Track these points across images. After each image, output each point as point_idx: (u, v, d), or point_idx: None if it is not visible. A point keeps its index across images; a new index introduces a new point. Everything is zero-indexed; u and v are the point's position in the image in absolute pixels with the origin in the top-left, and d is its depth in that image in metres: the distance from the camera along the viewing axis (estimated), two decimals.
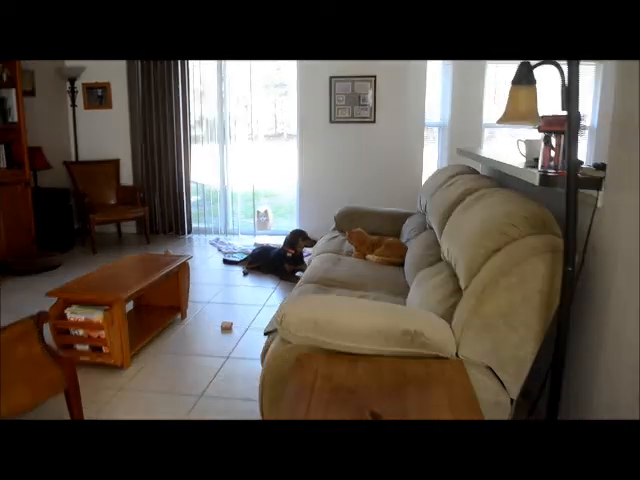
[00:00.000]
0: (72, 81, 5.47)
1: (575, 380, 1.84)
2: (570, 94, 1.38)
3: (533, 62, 1.57)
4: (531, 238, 1.74)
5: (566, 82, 1.38)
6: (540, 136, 1.92)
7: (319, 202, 5.75)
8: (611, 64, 1.54)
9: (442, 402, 1.43)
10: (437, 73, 5.69)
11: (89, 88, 5.60)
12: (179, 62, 5.55)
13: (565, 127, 1.58)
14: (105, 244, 5.42)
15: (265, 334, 2.16)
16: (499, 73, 5.80)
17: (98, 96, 5.59)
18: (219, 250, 5.40)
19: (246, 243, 5.60)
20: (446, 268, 2.23)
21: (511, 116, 1.58)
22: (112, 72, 5.57)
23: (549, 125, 1.67)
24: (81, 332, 2.75)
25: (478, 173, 3.17)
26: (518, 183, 2.48)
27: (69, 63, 5.45)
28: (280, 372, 1.82)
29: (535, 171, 1.86)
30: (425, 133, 5.73)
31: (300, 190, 5.85)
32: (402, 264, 3.10)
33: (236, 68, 5.83)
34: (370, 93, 5.41)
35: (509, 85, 1.62)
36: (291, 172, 5.98)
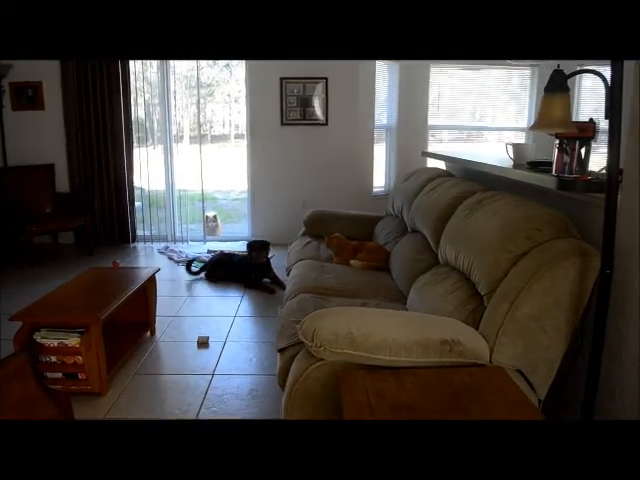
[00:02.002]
0: None
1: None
2: (613, 100, 1.41)
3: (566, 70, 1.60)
4: (556, 242, 1.78)
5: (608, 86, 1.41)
6: (525, 140, 1.97)
7: (271, 206, 5.66)
8: (629, 66, 1.59)
9: (504, 410, 1.42)
10: (384, 76, 5.77)
11: (18, 88, 5.11)
12: (118, 60, 5.22)
13: (589, 134, 1.63)
14: (42, 257, 4.97)
15: (279, 351, 2.05)
16: (442, 76, 5.99)
17: (28, 96, 5.12)
18: (170, 259, 5.13)
19: (198, 250, 5.38)
20: (452, 273, 2.24)
21: (545, 123, 1.61)
22: (44, 71, 5.12)
23: (581, 132, 1.71)
24: (54, 358, 2.49)
25: (453, 176, 3.23)
26: (506, 186, 2.55)
27: None
28: (310, 391, 1.74)
29: (546, 176, 1.91)
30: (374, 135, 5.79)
31: (252, 194, 5.72)
32: (384, 268, 3.10)
33: (179, 66, 5.59)
34: (321, 95, 5.37)
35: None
36: (231, 175, 5.82)
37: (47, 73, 5.14)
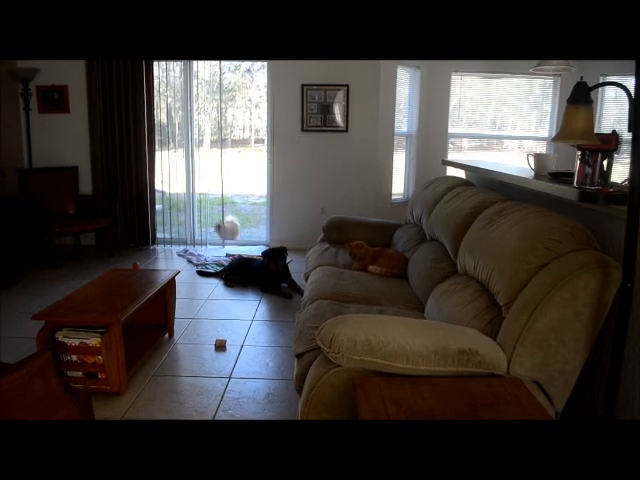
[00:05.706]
0: (25, 83, 5.09)
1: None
2: (637, 110, 1.40)
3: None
4: (577, 254, 1.77)
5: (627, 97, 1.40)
6: (546, 149, 1.96)
7: (290, 211, 5.69)
8: None
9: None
10: (405, 83, 5.78)
11: (44, 91, 5.23)
12: (143, 64, 5.31)
13: (611, 146, 1.62)
14: (63, 257, 5.07)
15: (296, 356, 2.07)
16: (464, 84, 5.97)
17: (54, 99, 5.24)
18: (189, 262, 5.19)
19: (216, 254, 5.43)
20: (471, 282, 2.24)
21: (568, 135, 1.60)
22: (70, 74, 5.24)
23: (604, 143, 1.71)
24: (74, 357, 2.54)
25: (473, 185, 3.22)
26: (526, 196, 2.54)
27: (21, 64, 5.08)
28: (327, 397, 1.75)
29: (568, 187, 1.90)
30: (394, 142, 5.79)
31: (271, 199, 5.75)
32: (403, 275, 3.10)
33: (202, 71, 5.67)
34: (342, 102, 5.40)
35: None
36: (250, 180, 5.87)
37: (73, 77, 5.25)
